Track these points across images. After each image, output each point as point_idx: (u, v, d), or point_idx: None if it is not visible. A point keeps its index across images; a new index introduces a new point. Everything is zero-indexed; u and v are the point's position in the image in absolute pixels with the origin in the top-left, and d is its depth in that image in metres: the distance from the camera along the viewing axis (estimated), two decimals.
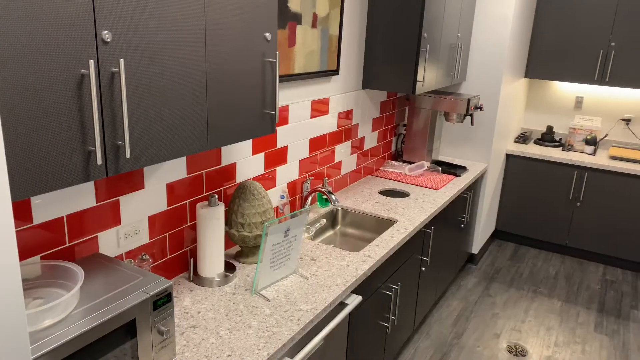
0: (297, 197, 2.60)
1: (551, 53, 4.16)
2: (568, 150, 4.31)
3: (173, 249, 1.91)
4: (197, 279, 1.90)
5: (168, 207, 1.84)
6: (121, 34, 1.13)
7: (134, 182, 1.69)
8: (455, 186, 3.19)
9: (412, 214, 2.69)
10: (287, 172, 2.48)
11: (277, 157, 2.37)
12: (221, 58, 1.45)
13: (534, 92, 4.62)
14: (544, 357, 2.96)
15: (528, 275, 3.93)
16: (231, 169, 2.11)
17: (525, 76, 4.34)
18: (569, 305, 3.54)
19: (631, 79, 3.93)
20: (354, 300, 1.97)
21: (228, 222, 2.00)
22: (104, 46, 1.10)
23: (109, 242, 1.65)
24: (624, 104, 4.29)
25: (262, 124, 1.69)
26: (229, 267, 1.99)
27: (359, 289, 2.08)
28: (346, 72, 2.82)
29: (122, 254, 1.70)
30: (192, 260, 1.91)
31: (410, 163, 3.54)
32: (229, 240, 2.19)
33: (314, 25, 2.39)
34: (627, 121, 4.31)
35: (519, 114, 4.55)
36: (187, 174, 1.89)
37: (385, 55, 2.89)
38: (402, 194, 3.02)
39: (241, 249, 2.09)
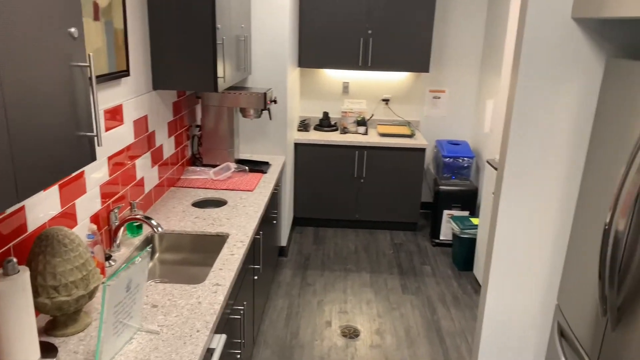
0: (103, 230, 2.09)
1: (318, 42, 4.36)
2: (344, 132, 4.62)
3: None
4: None
5: None
6: None
7: None
8: (267, 184, 3.07)
9: (240, 223, 2.46)
10: (89, 204, 1.96)
11: (74, 188, 1.85)
12: (11, 66, 0.98)
13: (307, 80, 4.80)
14: (374, 331, 3.13)
15: (334, 255, 4.11)
16: (19, 216, 1.54)
17: (299, 65, 4.45)
18: (376, 275, 3.83)
19: (387, 63, 4.40)
20: (220, 341, 1.67)
21: (32, 289, 1.45)
22: None
23: None
24: (382, 86, 4.80)
25: (80, 152, 1.24)
26: (47, 349, 1.46)
27: (219, 325, 1.78)
28: (136, 72, 2.37)
29: None
30: None
31: (213, 166, 3.26)
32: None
33: (96, 18, 1.91)
34: (386, 101, 4.84)
35: (297, 103, 4.67)
36: None
37: (177, 50, 2.54)
38: (219, 203, 2.75)
39: (55, 320, 1.56)
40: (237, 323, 2.17)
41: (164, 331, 1.59)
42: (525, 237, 2.18)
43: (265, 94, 3.16)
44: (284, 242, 4.00)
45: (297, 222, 4.66)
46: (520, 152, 2.07)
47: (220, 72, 2.60)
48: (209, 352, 1.62)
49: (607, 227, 1.67)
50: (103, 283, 1.30)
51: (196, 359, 1.46)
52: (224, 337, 1.70)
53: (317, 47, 4.36)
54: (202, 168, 3.21)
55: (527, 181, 2.11)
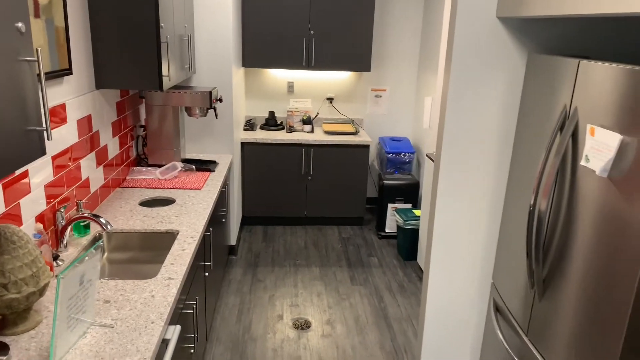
0: (49, 230, 2.06)
1: (262, 42, 4.41)
2: (291, 131, 4.70)
3: None
4: None
5: None
6: None
7: None
8: (215, 182, 3.09)
9: (190, 220, 2.48)
10: (34, 204, 1.93)
11: (18, 188, 1.82)
12: None
13: (251, 80, 4.85)
14: (325, 321, 3.22)
15: (284, 252, 4.18)
16: None
17: (243, 65, 4.49)
18: (325, 268, 3.93)
19: (330, 62, 4.51)
20: (175, 332, 1.71)
21: None
22: None
23: None
24: (326, 85, 4.91)
25: (29, 146, 1.25)
26: None
27: (172, 319, 1.81)
28: (79, 70, 2.35)
29: None
30: None
31: (159, 166, 3.25)
32: None
33: (36, 15, 1.89)
34: (330, 100, 4.96)
35: (243, 103, 4.70)
36: None
37: (120, 49, 2.53)
38: (167, 201, 2.76)
39: (4, 318, 1.54)
40: (189, 317, 2.20)
41: (118, 324, 1.61)
42: (462, 223, 2.34)
43: (210, 92, 3.18)
44: (233, 241, 4.03)
45: (245, 221, 4.69)
46: (454, 144, 2.23)
47: (165, 71, 2.61)
48: (164, 342, 1.66)
49: (531, 208, 1.84)
50: (57, 276, 1.31)
51: (152, 348, 1.49)
52: (178, 327, 1.73)
53: (260, 47, 4.42)
54: (148, 168, 3.19)
55: (461, 171, 2.27)
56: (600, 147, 1.47)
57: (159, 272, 1.95)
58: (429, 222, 2.44)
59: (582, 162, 1.56)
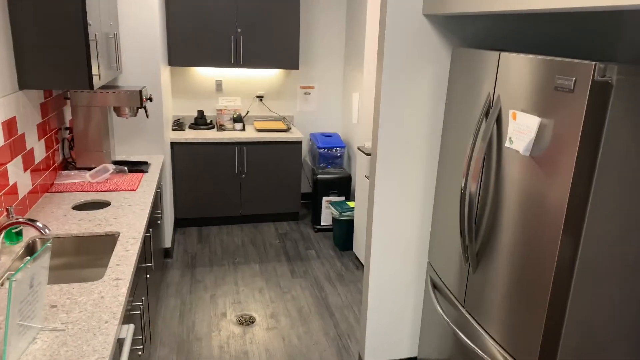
0: None
1: (188, 40, 4.35)
2: (222, 130, 4.68)
3: None
4: None
5: None
6: None
7: None
8: (150, 182, 3.03)
9: (129, 221, 2.43)
10: None
11: None
12: None
13: (178, 79, 4.76)
14: (269, 315, 3.27)
15: (222, 251, 4.16)
16: None
17: (169, 64, 4.41)
18: (265, 264, 3.97)
19: (258, 60, 4.55)
20: (129, 331, 1.69)
21: None
22: None
23: None
24: (256, 83, 4.94)
25: None
26: None
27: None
28: (1, 70, 2.22)
29: None
30: None
31: (89, 169, 3.13)
32: None
33: None
34: (260, 97, 4.99)
35: (170, 103, 4.61)
36: None
37: (45, 47, 2.41)
38: (102, 204, 2.67)
39: None
40: (137, 319, 2.17)
41: (70, 327, 1.56)
42: (398, 210, 2.49)
43: (140, 91, 3.11)
44: (167, 243, 3.95)
45: (178, 223, 4.61)
46: (389, 137, 2.36)
47: (95, 70, 2.53)
48: (119, 342, 1.63)
49: (462, 191, 2.00)
50: (9, 279, 1.26)
51: (109, 347, 1.47)
52: (132, 326, 1.71)
53: (187, 46, 4.36)
54: (77, 172, 3.06)
55: (396, 161, 2.41)
56: (522, 130, 1.65)
57: (104, 274, 1.91)
58: (367, 211, 2.57)
59: (507, 144, 1.74)
